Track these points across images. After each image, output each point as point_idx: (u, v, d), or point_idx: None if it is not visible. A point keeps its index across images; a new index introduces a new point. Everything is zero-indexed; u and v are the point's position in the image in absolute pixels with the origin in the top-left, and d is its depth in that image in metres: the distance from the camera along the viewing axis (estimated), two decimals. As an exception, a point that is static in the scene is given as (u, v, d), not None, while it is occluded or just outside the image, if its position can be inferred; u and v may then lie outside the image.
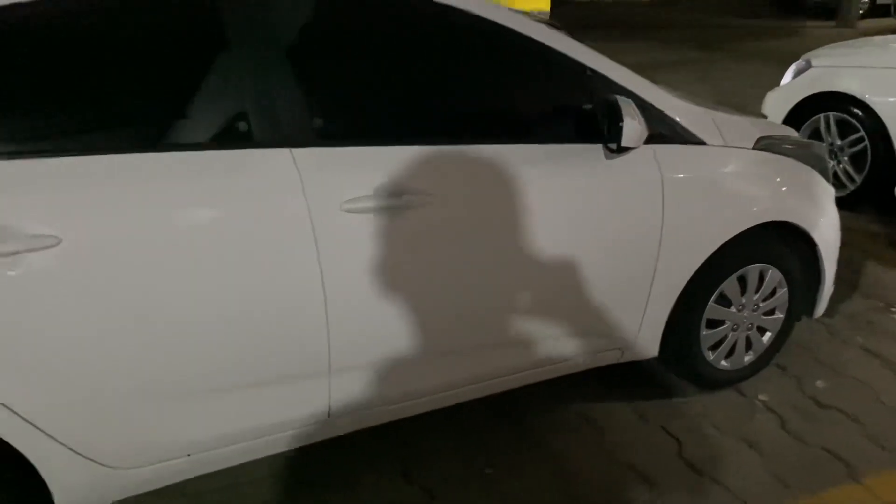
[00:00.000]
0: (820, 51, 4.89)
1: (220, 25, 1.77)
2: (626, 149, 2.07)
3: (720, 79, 9.08)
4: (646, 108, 2.17)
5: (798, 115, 4.65)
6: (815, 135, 4.58)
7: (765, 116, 4.83)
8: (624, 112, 2.02)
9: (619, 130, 2.01)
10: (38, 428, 1.65)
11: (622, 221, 2.21)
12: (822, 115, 4.55)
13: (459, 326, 2.08)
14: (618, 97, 2.08)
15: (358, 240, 1.85)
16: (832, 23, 14.84)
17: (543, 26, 2.12)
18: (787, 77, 4.85)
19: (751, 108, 6.01)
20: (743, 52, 11.48)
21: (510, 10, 2.09)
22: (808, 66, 4.69)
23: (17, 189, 1.57)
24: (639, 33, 13.35)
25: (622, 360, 2.48)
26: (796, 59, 4.93)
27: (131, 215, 1.64)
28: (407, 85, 2.00)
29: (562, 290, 2.19)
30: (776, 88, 4.91)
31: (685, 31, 13.80)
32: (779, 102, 4.77)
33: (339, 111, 1.92)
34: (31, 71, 1.62)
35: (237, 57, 1.77)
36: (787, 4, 17.08)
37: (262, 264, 1.77)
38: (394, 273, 1.91)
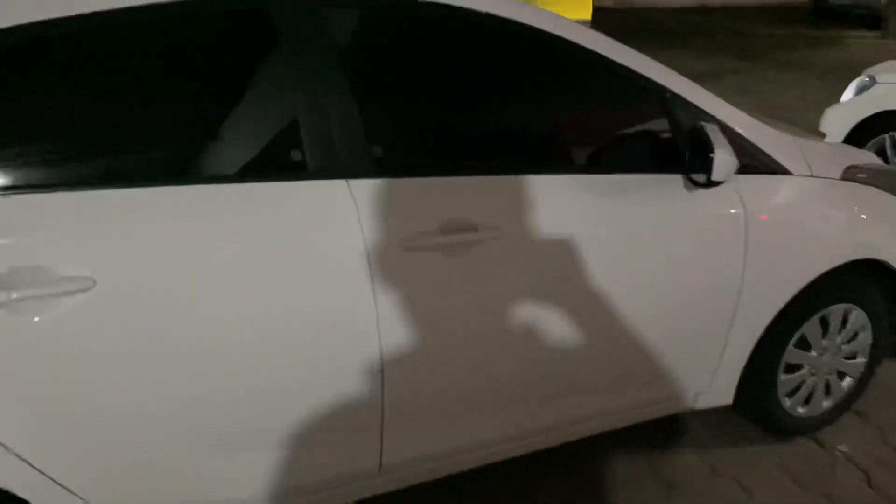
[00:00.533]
0: (885, 66, 4.64)
1: (273, 49, 1.61)
2: (715, 183, 1.87)
3: (763, 91, 8.78)
4: (730, 135, 1.97)
5: (860, 134, 4.40)
6: (880, 155, 4.32)
7: (823, 135, 4.59)
8: (714, 142, 1.82)
9: (710, 162, 1.82)
10: (59, 483, 1.49)
11: (702, 260, 2.01)
12: (887, 135, 4.30)
13: (525, 373, 1.89)
14: (704, 124, 1.88)
15: (418, 279, 1.68)
16: (875, 33, 14.41)
17: (619, 44, 1.93)
18: (849, 93, 4.60)
19: (800, 123, 5.76)
20: (784, 62, 11.14)
21: (585, 27, 1.90)
22: (873, 82, 4.44)
23: (47, 225, 1.41)
24: (675, 41, 13.05)
25: (695, 408, 2.28)
26: (841, 70, 4.69)
27: (174, 254, 1.48)
28: (472, 110, 1.83)
29: (635, 333, 1.99)
30: (836, 105, 4.66)
31: (723, 40, 13.48)
32: (840, 120, 4.52)
33: (399, 139, 1.75)
34: (67, 92, 1.47)
35: (290, 82, 1.61)
36: (827, 13, 16.64)
37: (314, 305, 1.60)
38: (455, 316, 1.74)
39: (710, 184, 1.87)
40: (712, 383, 2.22)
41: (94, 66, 1.50)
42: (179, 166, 1.58)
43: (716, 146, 1.81)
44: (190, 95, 1.59)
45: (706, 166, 1.83)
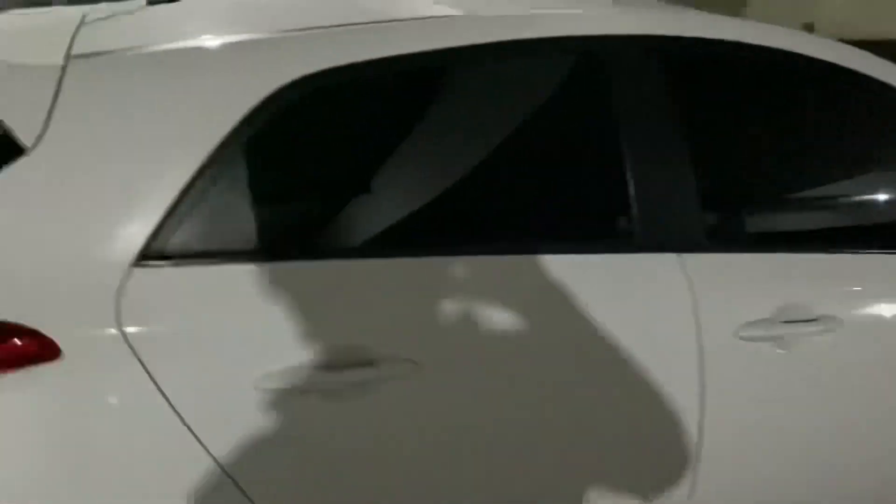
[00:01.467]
0: None
1: (597, 100, 1.42)
2: None
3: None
4: None
5: None
6: None
7: None
8: None
9: None
10: None
11: None
12: None
13: (861, 480, 1.62)
14: None
15: (749, 372, 1.44)
16: None
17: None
18: None
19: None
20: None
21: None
22: None
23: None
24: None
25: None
26: None
27: (491, 328, 1.29)
28: (815, 176, 1.59)
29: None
30: None
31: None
32: None
33: (735, 206, 1.53)
34: None
35: (615, 137, 1.41)
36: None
37: (635, 389, 1.38)
38: (784, 416, 1.49)
39: None
40: None
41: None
42: (496, 235, 1.38)
43: None
44: (496, 159, 1.39)
45: None
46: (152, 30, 1.37)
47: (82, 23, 1.39)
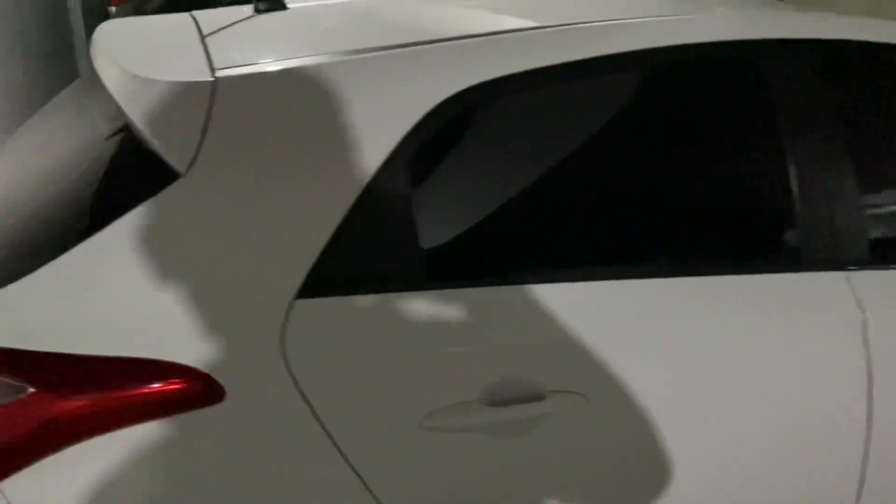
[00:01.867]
0: None
1: (762, 108, 1.33)
2: None
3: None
4: None
5: None
6: None
7: None
8: None
9: None
10: None
11: None
12: None
13: None
14: None
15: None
16: None
17: None
18: None
19: None
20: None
21: None
22: None
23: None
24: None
25: None
26: None
27: (655, 356, 1.21)
28: None
29: None
30: None
31: None
32: None
33: None
34: None
35: (779, 150, 1.33)
36: None
37: (799, 415, 1.31)
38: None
39: None
40: None
41: None
42: (663, 256, 1.30)
43: None
44: (677, 169, 1.32)
45: None
46: (284, 40, 1.28)
47: (204, 33, 1.30)
